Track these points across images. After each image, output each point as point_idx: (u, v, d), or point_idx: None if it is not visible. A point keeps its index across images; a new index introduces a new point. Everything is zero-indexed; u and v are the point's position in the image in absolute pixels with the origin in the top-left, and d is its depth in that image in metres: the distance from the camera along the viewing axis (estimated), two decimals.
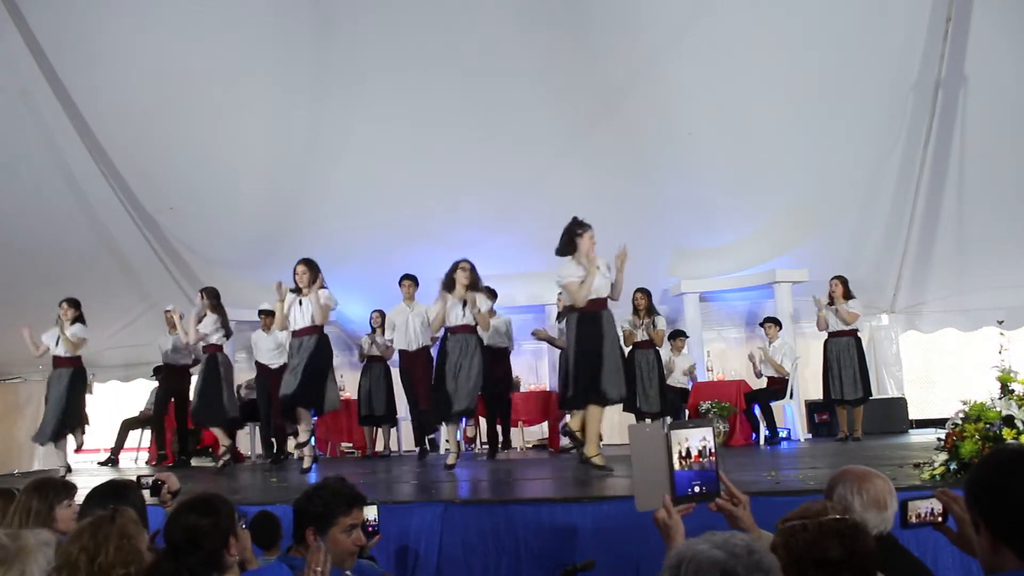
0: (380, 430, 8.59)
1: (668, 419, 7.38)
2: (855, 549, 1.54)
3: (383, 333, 8.10)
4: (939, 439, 3.85)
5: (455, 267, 6.06)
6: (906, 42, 7.09)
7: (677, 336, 8.70)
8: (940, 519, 1.94)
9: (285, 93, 7.67)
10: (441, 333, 6.40)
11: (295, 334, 6.31)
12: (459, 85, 7.49)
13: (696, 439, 1.84)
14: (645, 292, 7.70)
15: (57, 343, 7.12)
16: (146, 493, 3.08)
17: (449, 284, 6.04)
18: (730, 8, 6.86)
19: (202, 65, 7.30)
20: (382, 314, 8.23)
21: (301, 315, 6.25)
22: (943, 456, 3.75)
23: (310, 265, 6.27)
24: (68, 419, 7.09)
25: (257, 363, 8.21)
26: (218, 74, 7.41)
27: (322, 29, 7.11)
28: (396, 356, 8.02)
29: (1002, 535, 1.32)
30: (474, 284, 6.05)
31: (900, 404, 8.77)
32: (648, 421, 7.44)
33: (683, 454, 1.82)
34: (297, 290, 6.26)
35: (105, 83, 7.49)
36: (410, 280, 7.72)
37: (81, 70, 7.41)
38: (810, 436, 8.48)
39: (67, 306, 7.16)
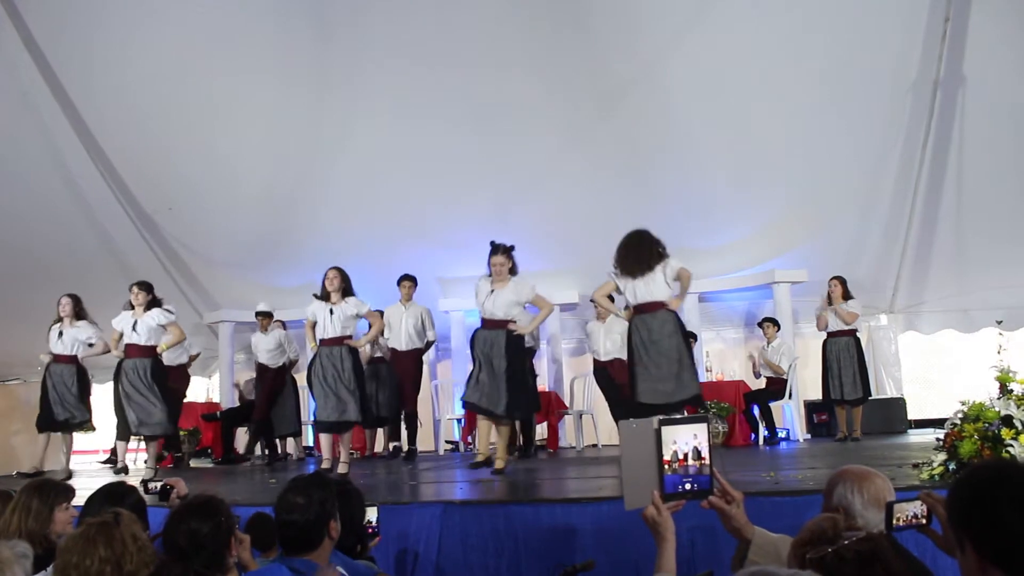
0: (381, 430, 8.58)
1: (660, 416, 7.36)
2: (891, 568, 1.52)
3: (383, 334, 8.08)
4: (938, 439, 3.85)
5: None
6: (904, 42, 7.08)
7: None
8: (924, 521, 1.92)
9: (285, 93, 7.66)
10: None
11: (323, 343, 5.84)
12: (459, 84, 7.47)
13: (687, 436, 1.78)
14: None
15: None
16: (154, 498, 3.09)
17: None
18: (730, 8, 6.85)
19: (202, 65, 7.29)
20: (380, 314, 8.21)
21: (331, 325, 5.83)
22: (942, 456, 3.75)
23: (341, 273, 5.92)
24: None
25: (257, 363, 8.22)
26: (218, 74, 7.40)
27: (322, 29, 7.10)
28: None
29: (988, 555, 1.28)
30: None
31: (899, 404, 8.78)
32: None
33: (672, 457, 1.75)
34: (325, 296, 5.88)
35: (104, 83, 7.47)
36: (409, 280, 7.70)
37: (80, 71, 7.39)
38: (809, 436, 8.48)
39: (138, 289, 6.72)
